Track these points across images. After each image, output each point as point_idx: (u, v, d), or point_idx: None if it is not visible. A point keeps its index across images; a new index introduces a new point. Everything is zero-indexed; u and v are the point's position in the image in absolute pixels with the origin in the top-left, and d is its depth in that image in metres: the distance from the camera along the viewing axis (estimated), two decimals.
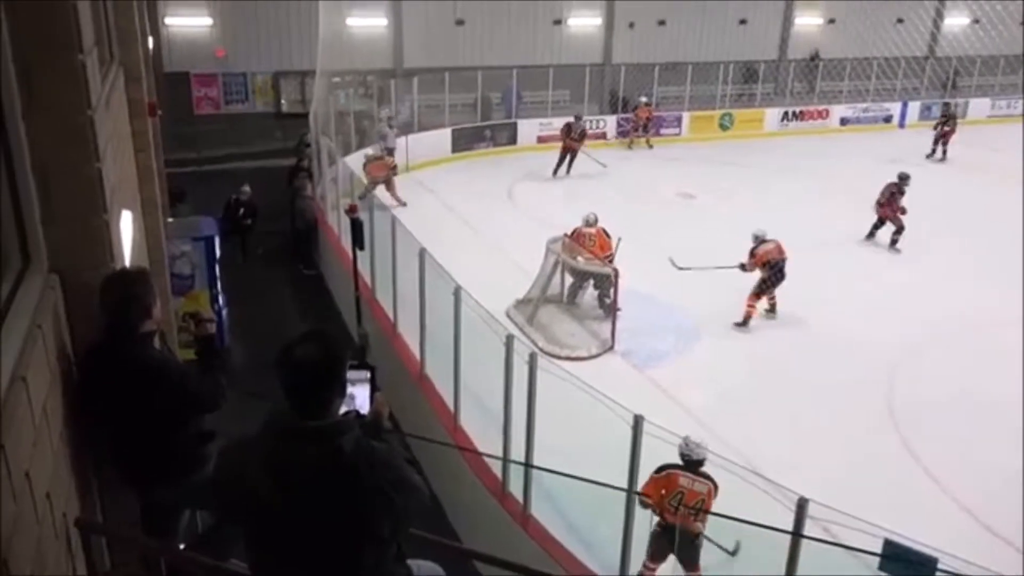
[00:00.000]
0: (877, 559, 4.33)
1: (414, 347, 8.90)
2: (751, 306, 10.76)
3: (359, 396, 2.70)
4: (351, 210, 9.14)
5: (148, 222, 6.65)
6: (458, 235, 13.31)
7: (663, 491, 5.92)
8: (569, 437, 6.76)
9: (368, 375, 2.72)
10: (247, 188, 13.98)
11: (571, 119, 18.02)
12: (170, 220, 10.70)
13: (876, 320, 10.69)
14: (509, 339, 6.85)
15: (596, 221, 11.21)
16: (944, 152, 19.99)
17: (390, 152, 16.63)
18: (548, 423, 6.69)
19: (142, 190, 6.65)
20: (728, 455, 6.16)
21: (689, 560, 5.99)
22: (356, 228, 8.48)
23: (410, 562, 2.70)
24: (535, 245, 11.34)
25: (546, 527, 6.51)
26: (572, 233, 11.12)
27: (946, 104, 22.23)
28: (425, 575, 2.79)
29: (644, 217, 14.13)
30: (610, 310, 10.39)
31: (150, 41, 11.82)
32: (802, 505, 4.59)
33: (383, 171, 15.12)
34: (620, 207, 13.92)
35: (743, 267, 10.82)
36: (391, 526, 2.36)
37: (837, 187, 16.89)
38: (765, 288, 10.76)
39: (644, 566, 6.13)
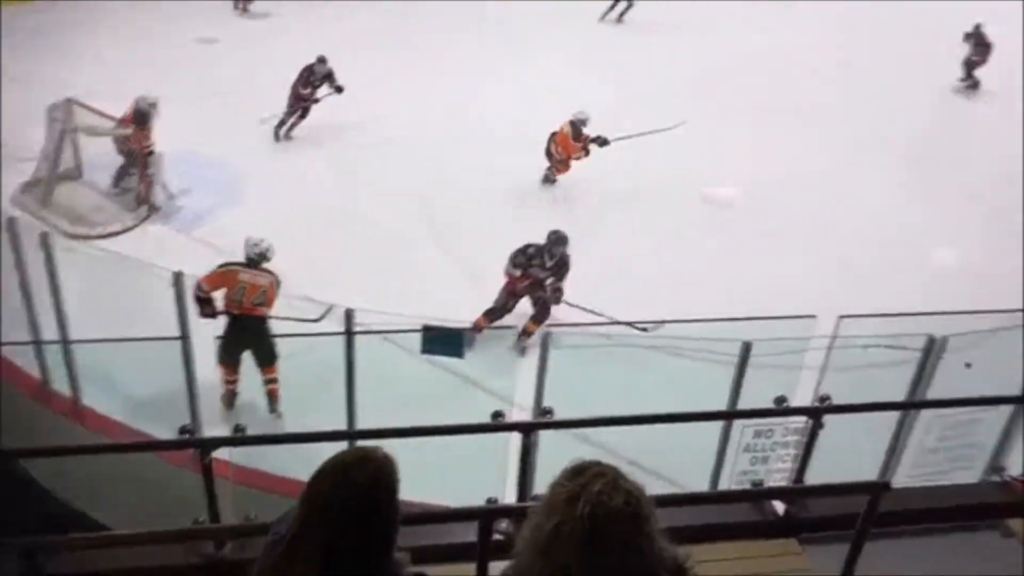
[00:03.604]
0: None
1: None
2: None
3: None
4: None
5: None
6: None
7: (225, 287, 6.07)
8: (108, 315, 6.30)
9: None
10: None
11: None
12: None
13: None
14: (11, 222, 5.97)
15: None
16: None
17: None
18: (84, 308, 6.12)
19: None
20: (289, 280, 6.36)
21: (263, 355, 6.22)
22: None
23: None
24: None
25: (106, 414, 6.05)
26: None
27: None
28: None
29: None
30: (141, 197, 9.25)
31: None
32: (349, 315, 4.92)
33: None
34: None
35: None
36: None
37: None
38: None
39: (224, 382, 6.30)
